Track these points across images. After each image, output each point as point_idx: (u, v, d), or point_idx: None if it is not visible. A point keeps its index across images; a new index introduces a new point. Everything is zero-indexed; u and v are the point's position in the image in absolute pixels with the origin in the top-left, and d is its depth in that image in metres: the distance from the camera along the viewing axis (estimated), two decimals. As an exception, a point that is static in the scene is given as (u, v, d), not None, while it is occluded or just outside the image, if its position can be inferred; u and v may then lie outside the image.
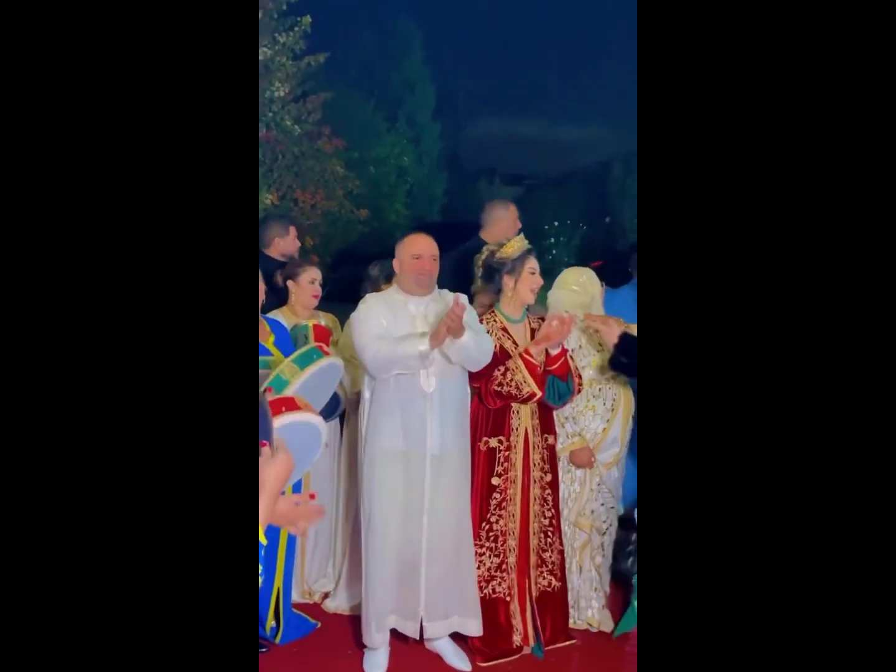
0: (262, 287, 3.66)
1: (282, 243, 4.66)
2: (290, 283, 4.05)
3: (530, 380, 3.48)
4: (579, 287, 3.98)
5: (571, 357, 3.64)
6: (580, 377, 3.65)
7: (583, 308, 3.89)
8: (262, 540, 1.68)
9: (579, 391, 3.66)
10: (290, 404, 2.73)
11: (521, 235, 3.91)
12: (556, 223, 25.36)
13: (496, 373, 3.50)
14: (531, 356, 3.50)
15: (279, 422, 2.59)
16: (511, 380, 3.49)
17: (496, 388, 3.50)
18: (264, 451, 1.81)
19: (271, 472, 1.75)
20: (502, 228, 4.55)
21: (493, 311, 3.71)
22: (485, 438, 3.61)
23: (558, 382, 3.56)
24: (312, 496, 1.99)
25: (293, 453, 2.18)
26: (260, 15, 8.80)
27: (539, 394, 3.50)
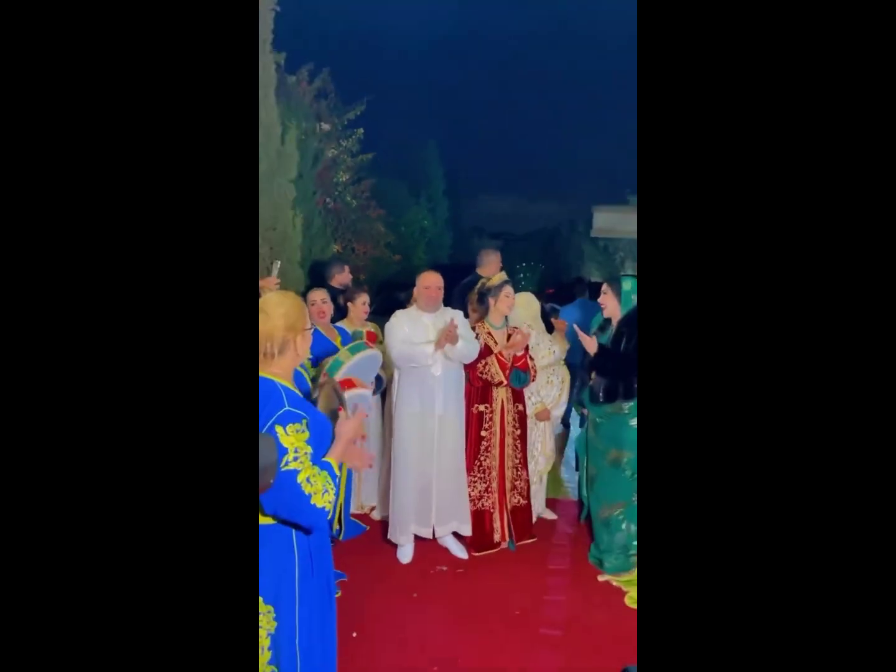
0: (329, 305, 3.71)
1: (339, 277, 4.63)
2: (349, 303, 4.04)
3: (500, 372, 3.54)
4: (526, 305, 4.04)
5: (531, 357, 3.66)
6: (535, 370, 3.67)
7: (531, 318, 3.99)
8: (337, 471, 1.69)
9: (534, 379, 3.68)
10: (350, 384, 2.75)
11: (503, 272, 4.01)
12: (524, 264, 25.35)
13: (479, 364, 3.53)
14: (502, 356, 3.54)
15: (347, 394, 2.61)
16: (488, 370, 3.54)
17: (479, 374, 3.55)
18: (341, 414, 1.83)
19: (346, 427, 1.76)
20: (491, 267, 4.55)
21: (482, 322, 3.73)
22: (476, 405, 3.62)
23: (520, 373, 3.58)
24: (363, 437, 1.98)
25: (355, 401, 2.18)
26: (329, 127, 8.84)
27: (505, 381, 3.55)
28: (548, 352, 3.92)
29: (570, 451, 5.38)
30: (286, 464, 1.57)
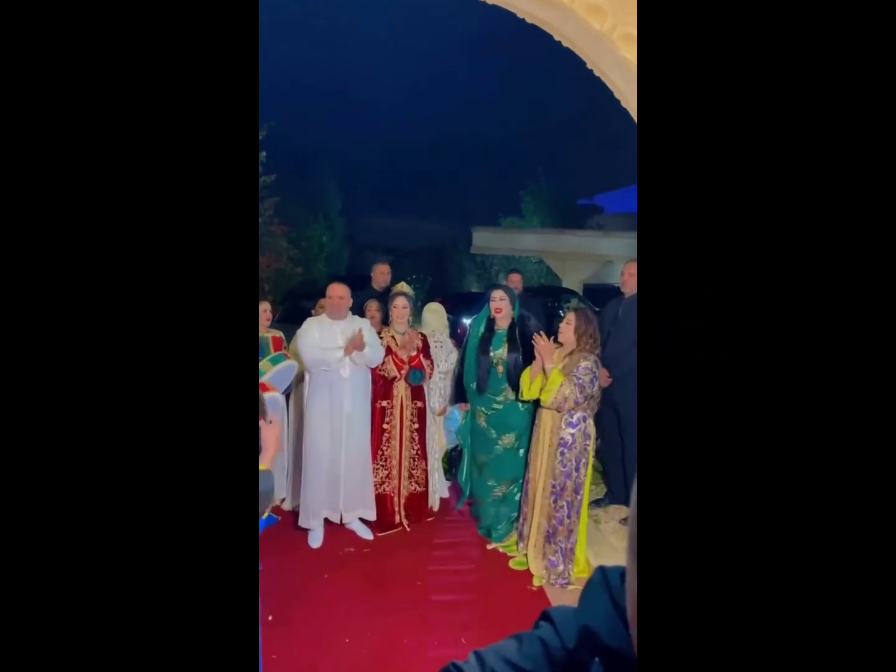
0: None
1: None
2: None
3: (394, 370, 3.57)
4: (436, 313, 4.11)
5: (426, 357, 3.68)
6: (431, 369, 3.70)
7: (441, 325, 4.07)
8: (262, 467, 1.64)
9: (429, 377, 3.71)
10: (265, 387, 2.66)
11: (405, 283, 3.97)
12: (414, 276, 25.52)
13: (380, 364, 3.54)
14: (398, 356, 3.58)
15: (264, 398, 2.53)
16: (385, 368, 3.56)
17: (379, 372, 3.57)
18: (262, 423, 1.78)
19: (270, 436, 1.75)
20: (383, 278, 4.55)
21: (388, 327, 3.73)
22: (379, 401, 3.62)
23: (415, 371, 3.62)
24: (280, 448, 1.95)
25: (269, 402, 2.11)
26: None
27: (399, 376, 3.58)
28: (445, 359, 3.98)
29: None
30: None
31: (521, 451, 3.44)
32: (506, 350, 3.44)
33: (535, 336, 3.10)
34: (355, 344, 3.29)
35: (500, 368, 3.44)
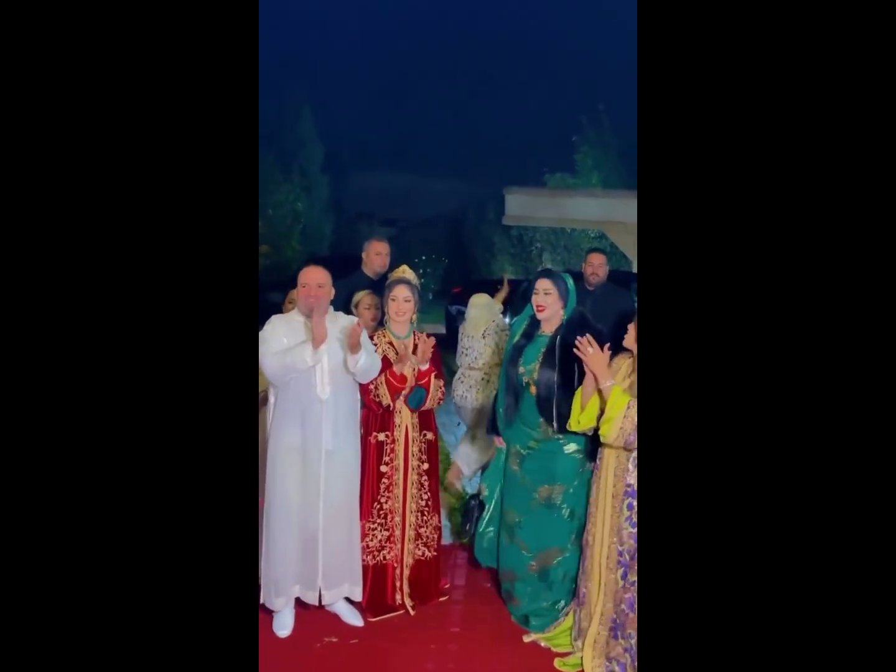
0: None
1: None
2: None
3: (386, 395, 3.52)
4: (484, 307, 4.16)
5: (436, 377, 3.63)
6: (441, 393, 3.67)
7: (491, 324, 4.29)
8: None
9: (439, 403, 3.70)
10: None
11: (406, 266, 3.94)
12: (423, 257, 25.60)
13: (370, 385, 3.52)
14: (393, 374, 3.50)
15: None
16: (377, 392, 3.53)
17: (371, 397, 3.55)
18: None
19: None
20: (378, 261, 4.54)
21: (383, 330, 3.72)
22: (374, 433, 3.62)
23: (419, 389, 3.59)
24: None
25: None
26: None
27: (392, 405, 3.55)
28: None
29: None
30: None
31: (566, 510, 3.39)
32: (539, 364, 3.37)
33: (579, 342, 2.95)
34: (350, 343, 3.21)
35: (534, 390, 3.39)
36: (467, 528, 3.83)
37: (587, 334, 3.03)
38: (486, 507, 3.71)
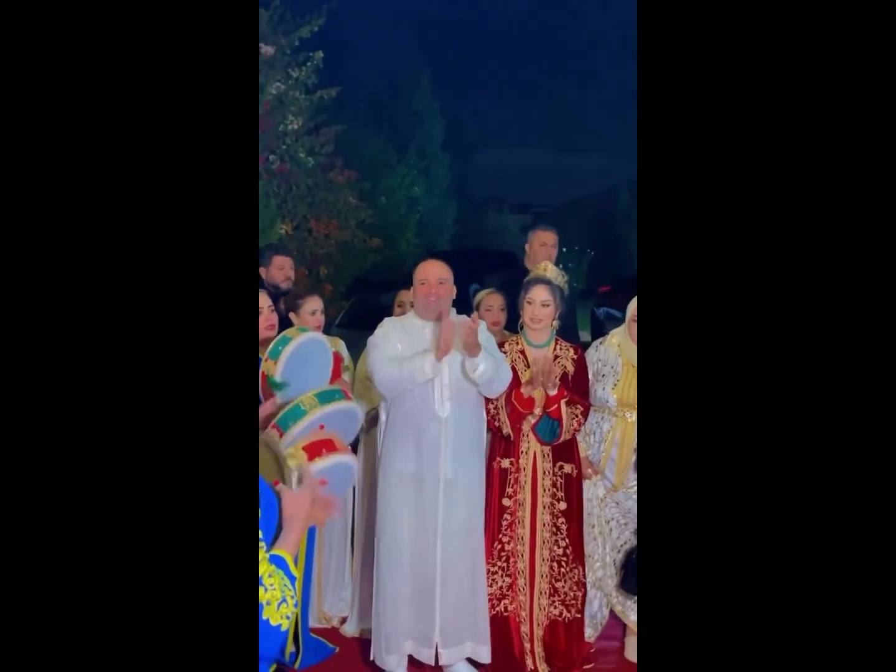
0: (275, 315, 3.64)
1: (275, 272, 4.46)
2: (291, 313, 3.84)
3: (506, 423, 3.51)
4: None
5: (568, 403, 3.54)
6: (579, 421, 3.58)
7: None
8: (295, 573, 1.65)
9: (574, 433, 3.61)
10: (330, 446, 2.73)
11: (549, 262, 3.96)
12: (564, 249, 25.43)
13: (490, 406, 3.52)
14: (521, 395, 3.48)
15: (323, 462, 2.61)
16: (497, 416, 3.52)
17: (490, 419, 3.55)
18: (280, 488, 1.80)
19: (299, 509, 1.75)
20: (543, 252, 4.57)
21: (518, 336, 3.72)
22: (498, 458, 3.61)
23: (548, 420, 3.54)
24: (323, 482, 1.99)
25: (331, 488, 2.19)
26: (273, 51, 8.86)
27: (513, 434, 3.53)
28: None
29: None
30: None
31: None
32: None
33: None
34: (468, 343, 3.18)
35: None
36: (631, 582, 3.75)
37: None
38: None
